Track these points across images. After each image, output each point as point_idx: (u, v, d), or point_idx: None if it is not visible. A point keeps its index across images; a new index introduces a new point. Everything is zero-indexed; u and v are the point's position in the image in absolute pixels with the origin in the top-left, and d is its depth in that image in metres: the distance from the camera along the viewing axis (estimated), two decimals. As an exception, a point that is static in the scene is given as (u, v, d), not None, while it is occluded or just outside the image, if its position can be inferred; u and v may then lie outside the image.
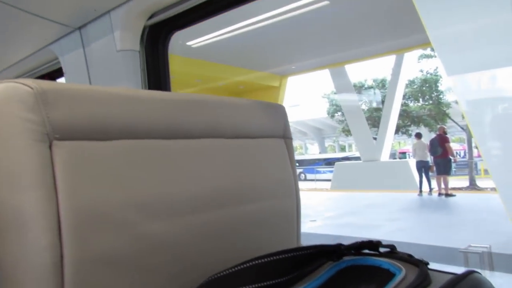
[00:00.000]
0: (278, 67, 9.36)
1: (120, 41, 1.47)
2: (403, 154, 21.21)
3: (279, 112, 0.78)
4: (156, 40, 1.51)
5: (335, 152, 30.25)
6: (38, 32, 1.69)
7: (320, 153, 29.60)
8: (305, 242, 0.77)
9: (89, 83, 1.65)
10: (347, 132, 18.26)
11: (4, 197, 0.45)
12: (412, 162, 10.85)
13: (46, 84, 0.49)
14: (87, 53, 1.64)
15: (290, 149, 0.79)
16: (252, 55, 7.99)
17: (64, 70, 1.79)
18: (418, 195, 9.36)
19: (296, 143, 31.13)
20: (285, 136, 0.78)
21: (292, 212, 0.77)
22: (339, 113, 18.72)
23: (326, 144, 32.44)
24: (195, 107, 0.63)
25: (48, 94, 0.49)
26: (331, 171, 14.58)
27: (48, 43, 1.81)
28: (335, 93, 16.26)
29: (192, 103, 0.63)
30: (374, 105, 17.08)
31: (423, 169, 9.44)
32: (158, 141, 0.56)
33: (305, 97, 37.34)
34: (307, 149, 35.30)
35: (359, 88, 17.39)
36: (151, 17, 1.45)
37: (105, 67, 1.57)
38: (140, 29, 1.48)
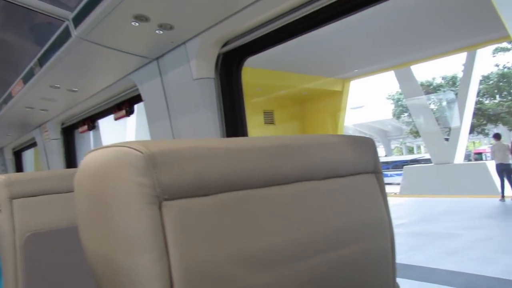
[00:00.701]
0: (341, 71, 9.20)
1: (196, 69, 1.52)
2: (478, 155, 19.75)
3: (368, 145, 0.75)
4: (229, 66, 1.55)
5: (401, 154, 29.01)
6: (119, 64, 1.80)
7: (386, 155, 28.55)
8: (400, 274, 0.75)
9: (167, 110, 1.73)
10: (415, 134, 17.43)
11: (120, 260, 0.47)
12: (490, 164, 10.06)
13: (153, 146, 0.51)
14: (165, 82, 1.71)
15: (381, 184, 0.76)
16: (314, 60, 7.92)
17: (143, 97, 1.90)
18: (500, 200, 8.63)
19: (360, 146, 30.17)
20: (376, 170, 0.75)
21: (387, 249, 0.74)
22: (406, 114, 17.93)
23: (392, 146, 31.24)
24: (288, 151, 0.63)
25: (156, 157, 0.51)
26: (398, 175, 13.97)
27: (128, 73, 1.92)
28: (400, 94, 15.61)
29: (285, 148, 0.63)
30: (445, 104, 16.16)
31: (504, 173, 8.71)
32: (254, 191, 0.57)
33: (369, 99, 36.31)
34: (372, 152, 34.08)
35: (427, 87, 16.54)
36: (224, 45, 1.49)
37: (182, 94, 1.63)
38: (215, 57, 1.52)
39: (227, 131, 1.55)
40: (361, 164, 0.73)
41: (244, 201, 0.55)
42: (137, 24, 1.35)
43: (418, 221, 7.30)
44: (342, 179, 0.69)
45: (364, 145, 0.75)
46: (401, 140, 28.24)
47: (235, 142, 0.59)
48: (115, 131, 3.06)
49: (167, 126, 1.74)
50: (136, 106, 2.36)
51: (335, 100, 10.25)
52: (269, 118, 7.73)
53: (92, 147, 3.39)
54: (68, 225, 1.44)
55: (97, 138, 3.69)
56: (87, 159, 0.58)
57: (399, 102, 18.67)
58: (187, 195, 0.51)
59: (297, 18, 1.27)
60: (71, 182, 1.49)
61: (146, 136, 4.28)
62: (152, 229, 0.47)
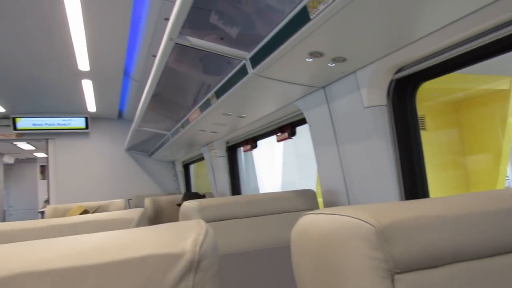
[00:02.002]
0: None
1: (367, 97, 1.50)
2: None
3: None
4: (403, 93, 1.48)
5: None
6: (286, 93, 1.90)
7: None
8: None
9: (334, 136, 1.74)
10: None
11: None
12: None
13: (383, 219, 0.50)
14: (332, 109, 1.73)
15: None
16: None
17: (308, 123, 1.95)
18: None
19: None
20: None
21: None
22: None
23: None
24: None
25: (387, 230, 0.50)
26: None
27: (293, 101, 2.01)
28: None
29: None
30: None
31: None
32: (485, 261, 0.52)
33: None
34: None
35: None
36: (398, 71, 1.43)
37: (351, 121, 1.62)
38: (387, 84, 1.48)
39: (401, 159, 1.48)
40: None
41: (474, 273, 0.51)
42: (311, 59, 1.40)
43: None
44: None
45: None
46: None
47: (460, 206, 0.55)
48: (263, 149, 3.24)
49: (334, 152, 1.76)
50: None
51: (501, 101, 8.94)
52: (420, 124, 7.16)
53: (242, 161, 3.64)
54: (249, 248, 1.56)
55: (247, 154, 3.91)
56: (307, 221, 0.60)
57: None
58: (417, 267, 0.49)
59: (480, 45, 1.14)
60: (252, 208, 1.61)
61: (291, 154, 4.41)
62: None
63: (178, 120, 3.10)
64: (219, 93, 2.08)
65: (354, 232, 0.51)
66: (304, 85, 1.74)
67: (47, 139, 5.59)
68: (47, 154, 5.64)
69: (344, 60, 1.40)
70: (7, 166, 8.70)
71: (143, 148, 5.36)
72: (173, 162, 5.90)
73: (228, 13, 1.67)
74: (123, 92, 4.52)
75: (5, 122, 5.33)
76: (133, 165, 5.81)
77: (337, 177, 1.75)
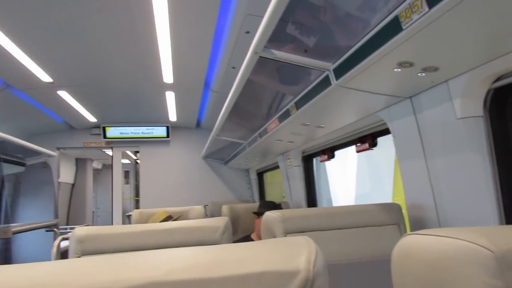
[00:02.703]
0: None
1: (460, 108, 1.41)
2: None
3: None
4: (503, 103, 1.37)
5: None
6: (369, 103, 1.85)
7: None
8: None
9: (422, 149, 1.66)
10: None
11: None
12: None
13: (503, 244, 0.47)
14: (419, 120, 1.66)
15: None
16: None
17: (393, 134, 1.88)
18: None
19: None
20: None
21: None
22: None
23: None
24: None
25: (508, 257, 0.47)
26: None
27: (376, 111, 1.95)
28: None
29: None
30: None
31: None
32: None
33: None
34: None
35: None
36: (497, 79, 1.33)
37: (441, 133, 1.54)
38: (483, 93, 1.38)
39: (499, 176, 1.37)
40: None
41: None
42: (399, 69, 1.36)
43: None
44: None
45: None
46: None
47: None
48: (334, 160, 3.18)
49: (421, 165, 1.67)
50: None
51: None
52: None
53: (314, 170, 3.59)
54: (331, 262, 1.53)
55: (319, 164, 3.85)
56: (411, 241, 0.58)
57: None
58: None
59: None
60: (335, 220, 1.59)
61: (363, 165, 4.26)
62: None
63: (255, 129, 3.16)
64: (299, 104, 2.09)
65: (472, 258, 0.48)
66: (389, 95, 1.69)
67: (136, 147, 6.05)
68: (130, 160, 6.06)
69: (436, 69, 1.34)
70: (96, 171, 9.47)
71: (219, 156, 5.54)
72: (247, 170, 6.03)
73: (311, 25, 1.68)
74: (202, 102, 4.73)
75: (96, 131, 5.85)
76: (209, 172, 6.04)
77: (425, 192, 1.66)
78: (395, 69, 1.36)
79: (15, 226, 3.28)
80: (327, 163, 3.36)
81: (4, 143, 3.32)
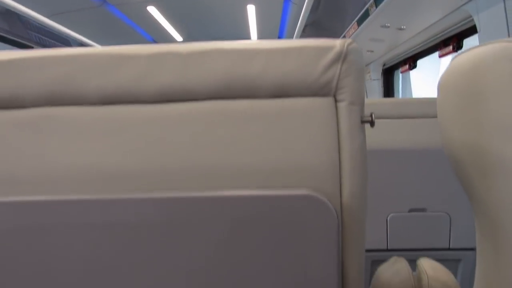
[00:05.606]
0: None
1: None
2: None
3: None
4: None
5: None
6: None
7: None
8: None
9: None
10: None
11: (493, 147, 0.50)
12: None
13: None
14: (508, 7, 1.53)
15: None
16: None
17: (478, 28, 1.76)
18: None
19: None
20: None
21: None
22: None
23: None
24: None
25: None
26: None
27: (463, 3, 1.82)
28: None
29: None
30: None
31: None
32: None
33: None
34: None
35: None
36: None
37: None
38: None
39: None
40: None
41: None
42: None
43: None
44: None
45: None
46: None
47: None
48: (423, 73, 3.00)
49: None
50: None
51: None
52: None
53: (399, 85, 3.47)
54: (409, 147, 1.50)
55: (405, 78, 3.69)
56: (455, 62, 0.62)
57: None
58: None
59: None
60: (419, 109, 1.55)
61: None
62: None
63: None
64: (378, 1, 2.02)
65: (500, 54, 0.51)
66: (477, -19, 1.57)
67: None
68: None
69: None
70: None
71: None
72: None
73: None
74: (282, 17, 4.69)
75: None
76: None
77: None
78: None
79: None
80: (413, 77, 3.23)
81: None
